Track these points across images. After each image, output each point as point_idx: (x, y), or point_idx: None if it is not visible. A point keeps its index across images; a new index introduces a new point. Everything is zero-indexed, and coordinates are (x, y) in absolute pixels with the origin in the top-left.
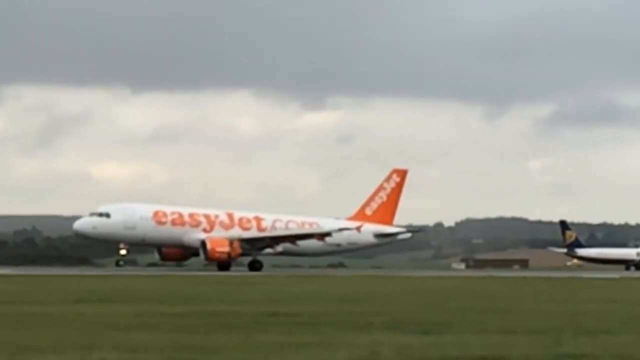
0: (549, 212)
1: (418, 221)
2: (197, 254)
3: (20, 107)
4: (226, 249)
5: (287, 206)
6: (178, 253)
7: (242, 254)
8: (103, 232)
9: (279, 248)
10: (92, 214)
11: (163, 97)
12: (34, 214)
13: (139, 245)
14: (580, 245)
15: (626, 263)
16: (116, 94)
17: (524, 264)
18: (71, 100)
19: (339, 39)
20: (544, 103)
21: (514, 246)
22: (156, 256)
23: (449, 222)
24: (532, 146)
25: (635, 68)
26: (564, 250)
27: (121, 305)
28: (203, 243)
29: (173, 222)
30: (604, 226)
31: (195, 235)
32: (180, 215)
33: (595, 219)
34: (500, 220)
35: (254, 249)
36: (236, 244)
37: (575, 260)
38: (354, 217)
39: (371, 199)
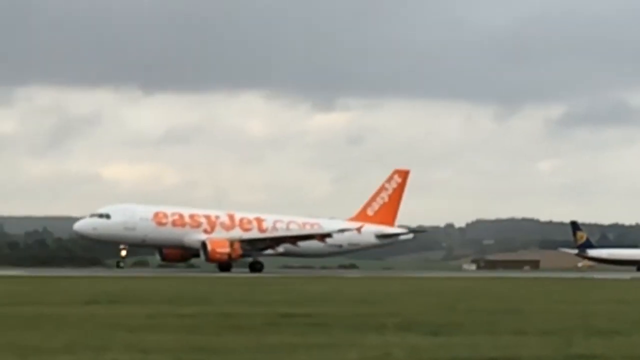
0: (559, 212)
1: (429, 222)
2: (197, 255)
3: (32, 108)
4: (227, 250)
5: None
6: (179, 254)
7: (243, 255)
8: (103, 233)
9: (280, 249)
10: (92, 215)
11: (174, 99)
12: (45, 215)
13: (140, 247)
14: (592, 246)
15: (637, 264)
16: (127, 96)
17: (534, 264)
18: (82, 101)
19: (349, 40)
20: (555, 104)
21: (524, 247)
22: (157, 257)
23: (459, 223)
24: (542, 147)
25: None
26: (575, 251)
27: (132, 306)
28: (204, 244)
29: (174, 223)
30: (615, 227)
31: (195, 236)
32: (181, 216)
33: (606, 220)
34: (511, 221)
35: (255, 250)
36: (237, 245)
37: (586, 261)
38: (356, 218)
39: (373, 199)
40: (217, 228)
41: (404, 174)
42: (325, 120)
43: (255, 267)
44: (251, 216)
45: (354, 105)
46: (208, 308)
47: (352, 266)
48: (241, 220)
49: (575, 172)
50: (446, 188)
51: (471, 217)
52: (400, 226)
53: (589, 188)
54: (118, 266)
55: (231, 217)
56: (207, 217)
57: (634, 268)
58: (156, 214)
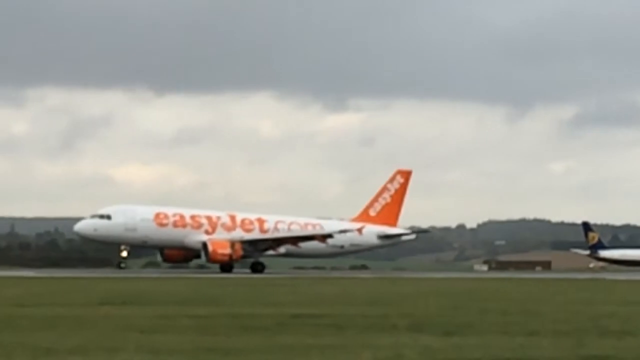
0: (571, 213)
1: (440, 223)
2: (199, 256)
3: (43, 109)
4: (227, 250)
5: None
6: (180, 255)
7: (244, 256)
8: (104, 234)
9: (281, 250)
10: (93, 216)
11: (185, 100)
12: (56, 216)
13: (141, 247)
14: (603, 247)
15: None
16: (139, 97)
17: (546, 265)
18: (94, 102)
19: (360, 40)
20: (566, 104)
21: (536, 248)
22: (158, 258)
23: (471, 223)
24: (554, 147)
25: None
26: (587, 251)
27: (144, 307)
28: (204, 245)
29: (175, 224)
30: (627, 228)
31: (196, 237)
32: (182, 217)
33: (618, 221)
34: (523, 221)
35: (256, 251)
36: (238, 246)
37: (598, 262)
38: (358, 218)
39: (375, 200)
40: (219, 229)
41: (407, 175)
42: (336, 121)
43: (257, 267)
44: (253, 217)
45: (365, 106)
46: (219, 309)
47: (363, 267)
48: (242, 221)
49: (587, 172)
50: (458, 189)
51: (483, 218)
52: (411, 227)
53: (601, 189)
54: (119, 267)
55: (232, 218)
56: (209, 218)
57: None
58: (157, 215)
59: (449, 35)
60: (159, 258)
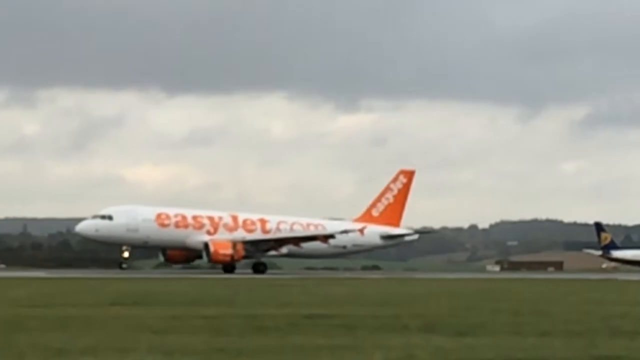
0: (583, 213)
1: (452, 223)
2: (201, 257)
3: (55, 110)
4: (229, 251)
5: (319, 209)
6: (182, 255)
7: (246, 256)
8: (105, 234)
9: (283, 250)
10: (94, 217)
11: (197, 101)
12: (68, 217)
13: (142, 248)
14: (616, 247)
15: None
16: (150, 97)
17: (558, 266)
18: (105, 103)
19: (372, 41)
20: (579, 105)
21: (548, 248)
22: (160, 258)
23: (483, 224)
24: (566, 148)
25: None
26: (599, 252)
27: (155, 307)
28: (206, 245)
29: (176, 225)
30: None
31: (198, 238)
32: (184, 218)
33: (631, 221)
34: (535, 222)
35: (258, 251)
36: (240, 247)
37: (610, 263)
38: (361, 219)
39: (378, 200)
40: (220, 229)
41: (410, 175)
42: (347, 122)
43: (259, 268)
44: (255, 217)
45: (377, 106)
46: (231, 309)
47: (375, 267)
48: (244, 221)
49: (599, 172)
50: (470, 189)
51: (495, 218)
52: (423, 227)
53: (614, 189)
54: (121, 267)
55: (234, 218)
56: (210, 219)
57: None
58: (159, 215)
59: (461, 36)
60: (161, 259)
